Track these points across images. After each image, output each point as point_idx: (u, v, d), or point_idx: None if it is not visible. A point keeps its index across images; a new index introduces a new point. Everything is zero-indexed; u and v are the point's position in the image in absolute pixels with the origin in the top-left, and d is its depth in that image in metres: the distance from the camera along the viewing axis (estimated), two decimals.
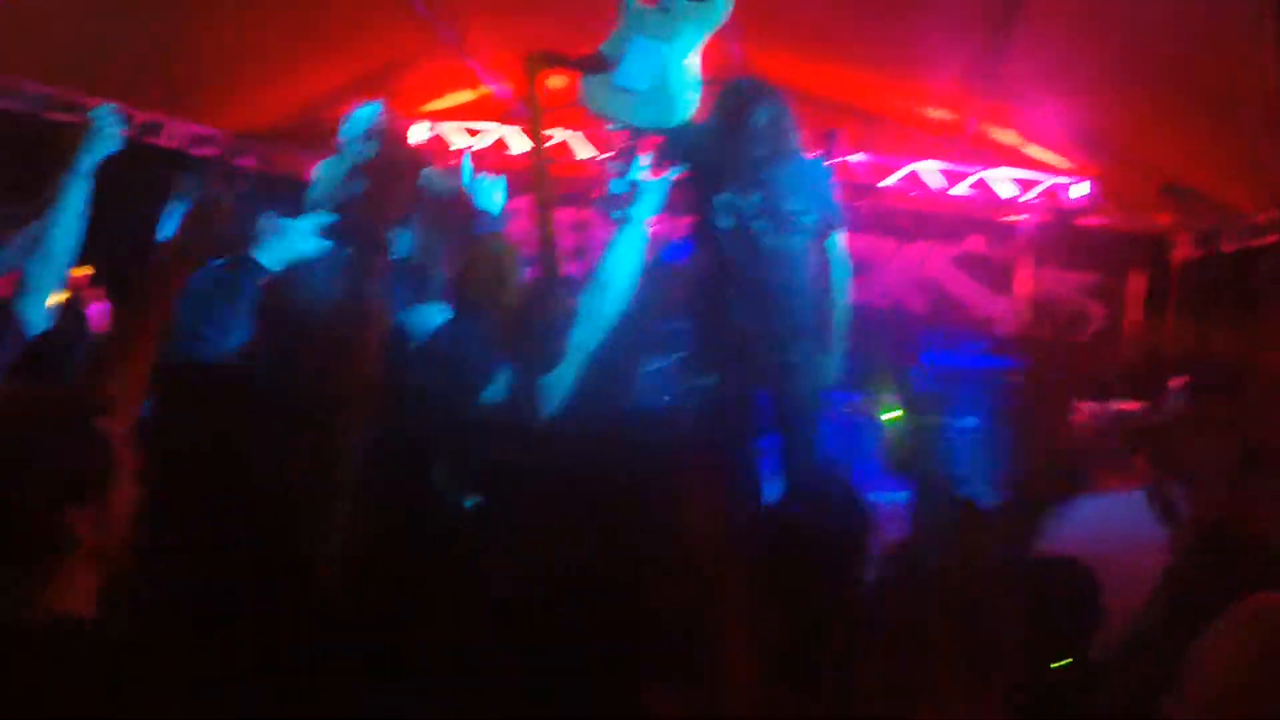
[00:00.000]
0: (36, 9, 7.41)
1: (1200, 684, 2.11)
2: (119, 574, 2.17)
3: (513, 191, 5.51)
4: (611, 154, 9.70)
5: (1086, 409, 9.50)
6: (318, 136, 10.21)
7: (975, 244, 11.88)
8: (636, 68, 5.57)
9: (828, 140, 10.44)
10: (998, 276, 11.73)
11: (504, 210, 5.34)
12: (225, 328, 3.76)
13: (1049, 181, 11.04)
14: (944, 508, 2.90)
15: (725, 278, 5.73)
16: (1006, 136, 10.78)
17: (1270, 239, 8.42)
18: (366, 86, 9.86)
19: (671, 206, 5.04)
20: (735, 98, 5.82)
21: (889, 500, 3.33)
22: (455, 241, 4.94)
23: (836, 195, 6.05)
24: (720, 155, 5.74)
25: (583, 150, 11.35)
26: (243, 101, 9.78)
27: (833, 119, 10.51)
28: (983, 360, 10.03)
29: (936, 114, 10.65)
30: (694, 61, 5.70)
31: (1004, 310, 11.59)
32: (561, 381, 3.71)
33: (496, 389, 3.87)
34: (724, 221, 5.70)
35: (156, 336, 2.68)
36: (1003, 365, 9.88)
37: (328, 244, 4.27)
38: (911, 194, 11.27)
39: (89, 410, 2.24)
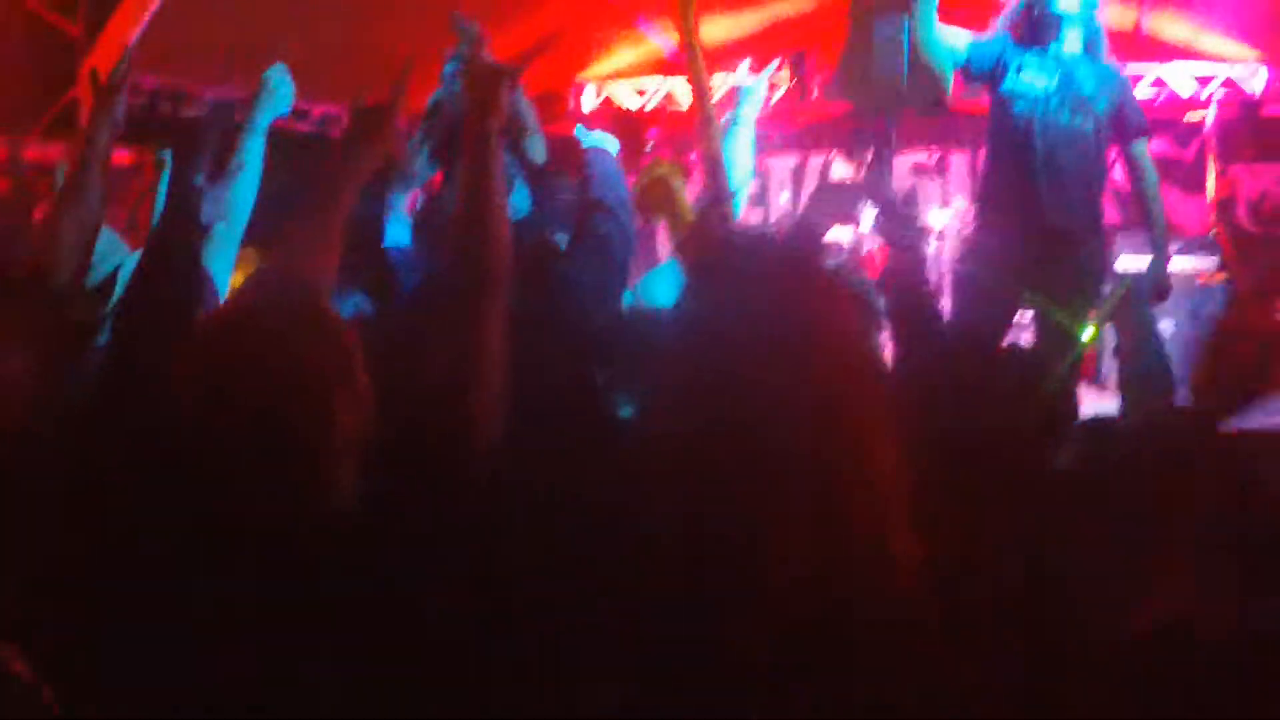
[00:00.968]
0: (214, 12, 7.64)
1: None
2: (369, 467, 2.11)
3: None
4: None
5: None
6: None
7: (1161, 146, 11.56)
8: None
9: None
10: (1188, 177, 11.39)
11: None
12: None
13: (1227, 73, 10.70)
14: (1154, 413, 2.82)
15: (1022, 155, 5.56)
16: (1178, 30, 10.49)
17: None
18: (533, 54, 10.01)
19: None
20: None
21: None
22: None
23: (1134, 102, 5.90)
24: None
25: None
26: (419, 86, 9.93)
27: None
28: (1179, 262, 9.75)
29: (1104, 13, 10.37)
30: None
31: (1198, 211, 11.24)
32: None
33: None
34: (1021, 104, 5.54)
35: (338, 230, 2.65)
36: (1200, 267, 9.62)
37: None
38: None
39: (321, 298, 2.29)
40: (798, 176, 11.60)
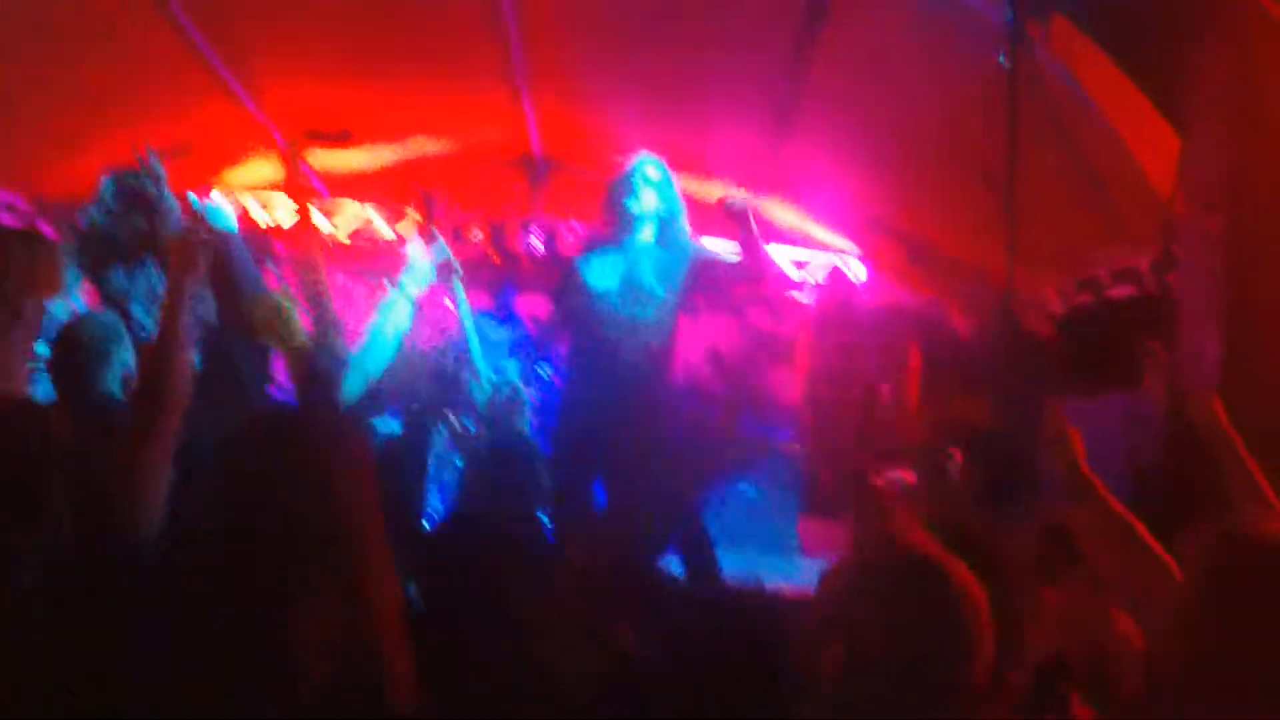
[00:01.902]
0: None
1: None
2: None
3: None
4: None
5: (880, 476, 9.93)
6: None
7: (759, 318, 12.25)
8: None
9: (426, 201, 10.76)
10: (782, 350, 12.09)
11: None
12: None
13: (827, 258, 11.47)
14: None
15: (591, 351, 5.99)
16: (786, 215, 11.20)
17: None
18: (172, 154, 9.77)
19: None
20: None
21: None
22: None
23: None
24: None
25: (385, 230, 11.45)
26: (55, 167, 9.57)
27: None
28: (768, 431, 10.34)
29: (722, 192, 10.98)
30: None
31: (790, 383, 11.93)
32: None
33: None
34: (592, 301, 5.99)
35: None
36: (786, 437, 10.22)
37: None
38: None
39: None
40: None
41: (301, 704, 2.06)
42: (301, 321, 4.90)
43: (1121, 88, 6.36)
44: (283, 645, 2.08)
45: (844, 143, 8.86)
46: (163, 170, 4.92)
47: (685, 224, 6.27)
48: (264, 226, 11.20)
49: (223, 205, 5.60)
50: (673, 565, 5.94)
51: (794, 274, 11.53)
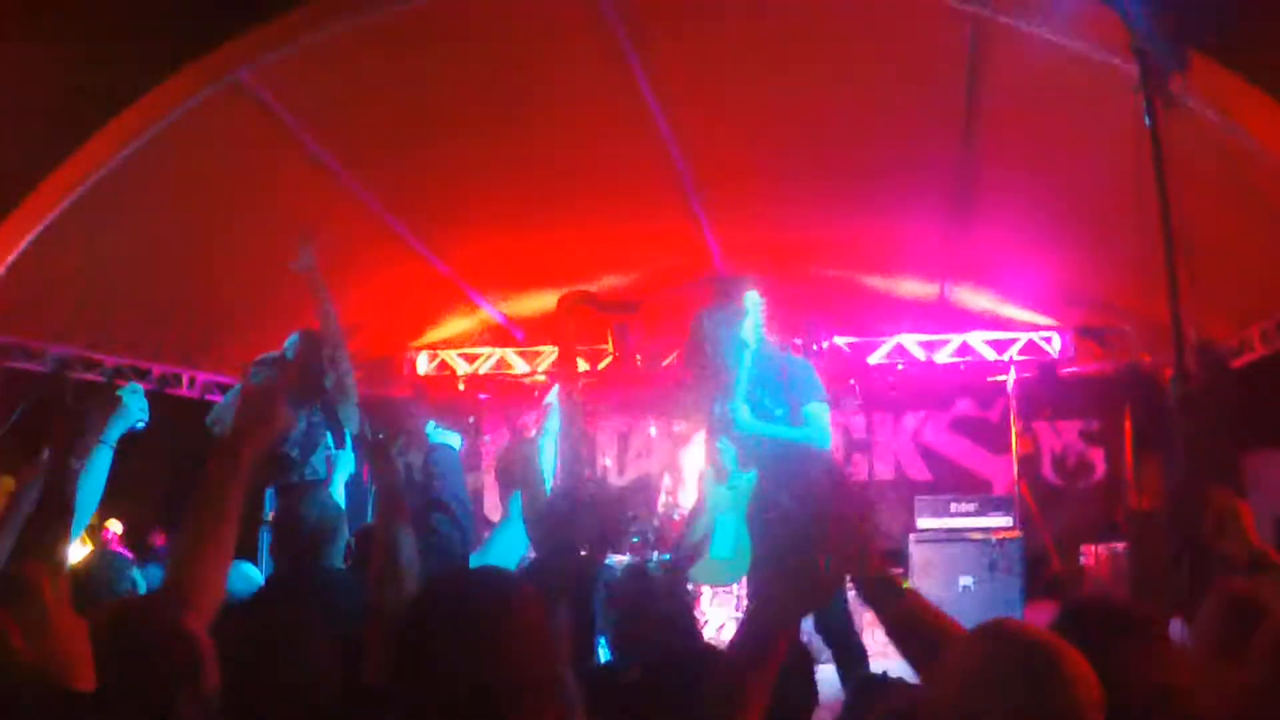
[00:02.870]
0: (57, 272, 7.92)
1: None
2: None
3: None
4: None
5: (1093, 552, 9.75)
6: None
7: (967, 407, 12.22)
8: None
9: (810, 327, 10.88)
10: (993, 435, 12.01)
11: None
12: None
13: (1026, 338, 11.42)
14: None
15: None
16: (980, 300, 11.22)
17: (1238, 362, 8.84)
18: (373, 318, 10.42)
19: None
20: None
21: None
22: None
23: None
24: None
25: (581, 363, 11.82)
26: (259, 347, 10.23)
27: (814, 306, 11.00)
28: (984, 519, 10.24)
29: (911, 287, 11.10)
30: None
31: (1004, 469, 11.82)
32: None
33: None
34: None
35: (230, 534, 2.87)
36: (997, 524, 10.11)
37: None
38: (898, 366, 11.61)
39: (177, 611, 2.55)
40: (623, 441, 12.01)
41: None
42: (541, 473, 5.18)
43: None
44: None
45: (1022, 223, 8.91)
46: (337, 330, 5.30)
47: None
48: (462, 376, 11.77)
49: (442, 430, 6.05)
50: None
51: (991, 356, 11.49)
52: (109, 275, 8.33)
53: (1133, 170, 6.32)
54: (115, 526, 10.34)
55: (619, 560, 6.94)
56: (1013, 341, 11.51)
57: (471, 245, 9.68)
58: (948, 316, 11.43)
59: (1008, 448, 11.78)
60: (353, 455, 6.36)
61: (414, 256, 9.68)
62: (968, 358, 11.59)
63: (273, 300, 9.52)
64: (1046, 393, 11.67)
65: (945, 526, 10.05)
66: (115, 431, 4.07)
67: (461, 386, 11.92)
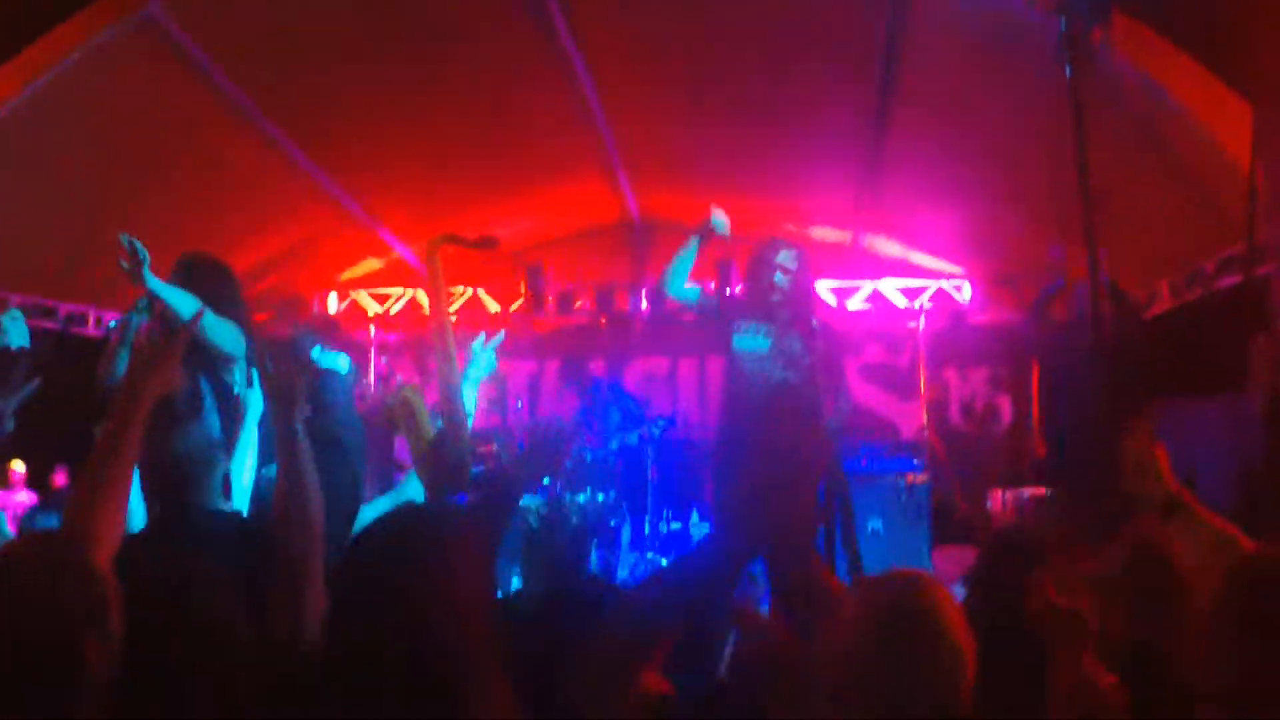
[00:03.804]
0: None
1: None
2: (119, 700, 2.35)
3: None
4: None
5: (999, 497, 9.89)
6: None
7: (877, 353, 12.29)
8: None
9: (722, 269, 10.88)
10: (902, 382, 12.10)
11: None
12: None
13: (936, 285, 11.51)
14: None
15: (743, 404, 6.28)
16: (892, 248, 11.28)
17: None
18: (286, 260, 10.26)
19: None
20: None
21: None
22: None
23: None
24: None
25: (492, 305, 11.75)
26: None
27: (725, 249, 10.98)
28: (892, 463, 10.33)
29: (824, 233, 11.12)
30: None
31: (912, 414, 11.93)
32: None
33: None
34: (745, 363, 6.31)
35: (126, 477, 2.90)
36: (910, 467, 10.21)
37: None
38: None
39: (82, 548, 2.49)
40: (533, 383, 11.95)
41: None
42: (428, 413, 5.15)
43: (1200, 78, 6.37)
44: None
45: (934, 172, 8.94)
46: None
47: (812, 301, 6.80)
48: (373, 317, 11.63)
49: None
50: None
51: (902, 303, 11.57)
52: (15, 214, 8.07)
53: (1046, 122, 6.36)
54: (19, 467, 10.11)
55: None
56: (923, 289, 11.59)
57: (386, 186, 9.55)
58: (859, 263, 11.47)
59: (917, 393, 11.89)
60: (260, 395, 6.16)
61: (326, 197, 9.51)
62: (878, 305, 11.65)
63: (181, 238, 9.31)
64: (956, 340, 11.78)
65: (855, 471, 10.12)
66: None
67: (372, 329, 11.78)
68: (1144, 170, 7.28)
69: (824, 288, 11.56)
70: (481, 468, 8.59)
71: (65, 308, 9.78)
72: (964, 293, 11.55)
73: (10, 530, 4.30)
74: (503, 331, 5.56)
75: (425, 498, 4.75)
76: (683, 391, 11.89)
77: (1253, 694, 2.38)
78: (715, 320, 6.48)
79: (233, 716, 2.46)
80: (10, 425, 3.74)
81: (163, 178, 8.49)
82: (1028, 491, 9.58)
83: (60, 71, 7.00)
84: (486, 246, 6.03)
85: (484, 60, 7.93)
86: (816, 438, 6.43)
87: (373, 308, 11.66)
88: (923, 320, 11.72)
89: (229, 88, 7.76)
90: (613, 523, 9.14)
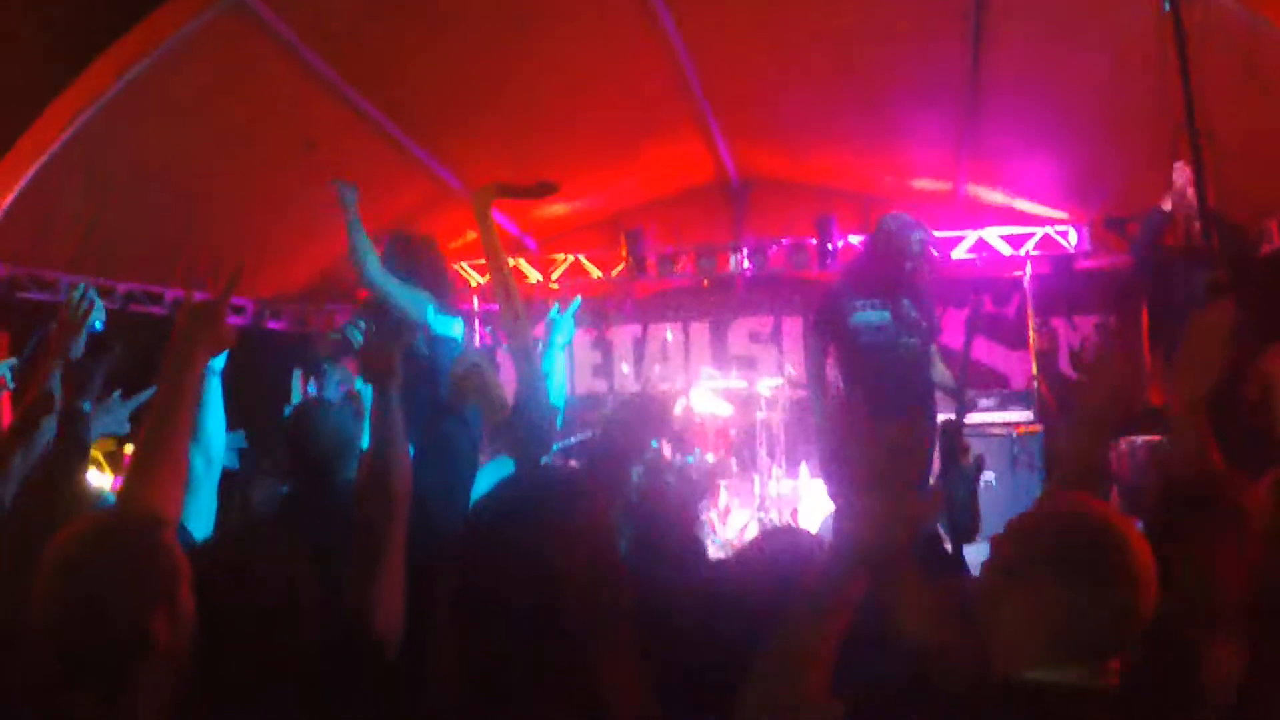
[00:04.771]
0: (64, 200, 7.89)
1: None
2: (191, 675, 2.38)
3: None
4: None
5: (1114, 446, 9.75)
6: (344, 293, 10.78)
7: (982, 303, 12.12)
8: None
9: (822, 225, 10.83)
10: (1010, 332, 11.94)
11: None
12: None
13: (1041, 232, 11.33)
14: None
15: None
16: (995, 196, 11.13)
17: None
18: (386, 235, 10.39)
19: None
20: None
21: None
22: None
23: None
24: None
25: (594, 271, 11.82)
26: (269, 269, 10.26)
27: (826, 204, 10.93)
28: (1002, 413, 10.26)
29: (924, 184, 11.01)
30: None
31: (1021, 364, 11.78)
32: None
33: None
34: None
35: (183, 448, 2.86)
36: (1018, 419, 10.13)
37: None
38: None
39: (155, 527, 2.50)
40: (639, 347, 12.01)
41: None
42: (500, 384, 5.07)
43: None
44: None
45: (1034, 117, 8.81)
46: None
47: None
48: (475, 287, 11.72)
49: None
50: None
51: (1008, 251, 11.40)
52: (115, 203, 8.28)
53: (1146, 60, 6.25)
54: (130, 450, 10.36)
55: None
56: (1028, 236, 11.41)
57: (481, 158, 9.60)
58: (962, 213, 11.32)
59: (1025, 343, 11.73)
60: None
61: (423, 171, 9.62)
62: (983, 254, 11.50)
63: (278, 222, 9.51)
64: (1063, 288, 11.59)
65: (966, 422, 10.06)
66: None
67: (475, 301, 11.86)
68: (1247, 106, 7.10)
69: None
70: (587, 434, 8.71)
71: (170, 293, 9.94)
72: (1070, 239, 11.34)
73: None
74: (579, 297, 5.57)
75: (513, 466, 4.74)
76: (787, 348, 11.84)
77: None
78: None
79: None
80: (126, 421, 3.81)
81: (259, 161, 8.61)
82: (1141, 439, 9.43)
83: (153, 61, 7.13)
84: (544, 193, 5.94)
85: (576, 25, 7.93)
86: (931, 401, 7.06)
87: (474, 278, 11.73)
88: (1029, 268, 11.53)
89: (321, 67, 7.83)
90: (723, 483, 9.21)
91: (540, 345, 5.61)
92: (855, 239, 11.06)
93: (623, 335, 11.99)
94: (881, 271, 6.88)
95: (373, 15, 7.54)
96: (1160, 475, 3.36)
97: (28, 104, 7.11)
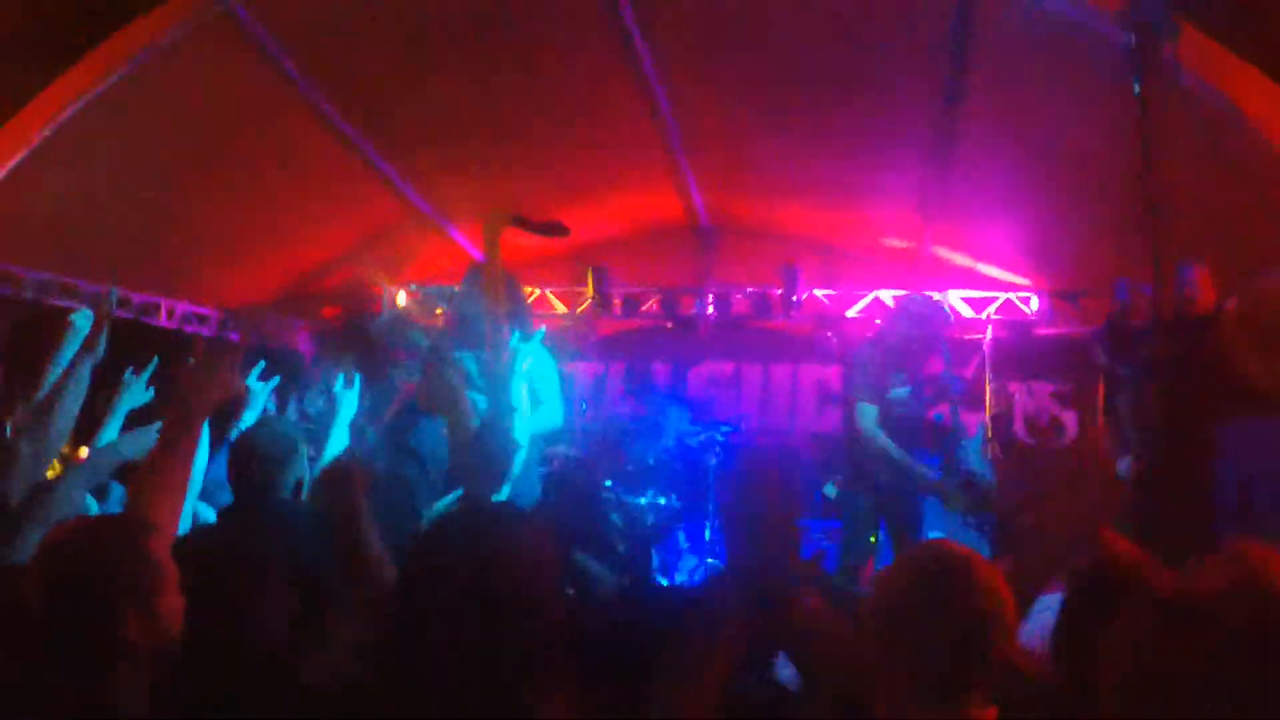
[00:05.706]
0: (37, 198, 7.87)
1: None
2: (166, 674, 2.51)
3: None
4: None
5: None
6: (309, 307, 10.78)
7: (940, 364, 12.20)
8: None
9: (788, 275, 10.89)
10: (967, 393, 12.00)
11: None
12: None
13: (1004, 297, 11.44)
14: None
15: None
16: (959, 258, 11.23)
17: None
18: (354, 257, 10.41)
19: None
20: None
21: None
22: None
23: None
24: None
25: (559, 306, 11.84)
26: (237, 278, 10.22)
27: (793, 253, 11.00)
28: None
29: (892, 242, 11.11)
30: None
31: (975, 426, 11.84)
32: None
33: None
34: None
35: (184, 474, 3.10)
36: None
37: None
38: (876, 321, 11.59)
39: (139, 532, 2.61)
40: (598, 384, 12.02)
41: None
42: (469, 404, 5.04)
43: (1270, 92, 6.33)
44: None
45: (1001, 184, 8.92)
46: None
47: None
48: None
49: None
50: None
51: (969, 314, 11.50)
52: (91, 203, 8.26)
53: (1114, 137, 6.34)
54: (85, 454, 10.29)
55: None
56: (990, 300, 11.52)
57: (452, 183, 9.64)
58: (927, 272, 11.42)
59: (981, 405, 11.81)
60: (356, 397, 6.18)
61: (392, 191, 9.64)
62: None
63: (252, 230, 9.49)
64: (1021, 353, 11.70)
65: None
66: (69, 353, 4.11)
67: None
68: (1210, 185, 7.23)
69: (889, 296, 11.52)
70: (548, 468, 8.68)
71: (139, 298, 9.92)
72: (1031, 305, 11.47)
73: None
74: (542, 327, 5.54)
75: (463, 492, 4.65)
76: (745, 396, 11.90)
77: None
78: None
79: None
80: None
81: (235, 168, 8.63)
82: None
83: (138, 63, 7.15)
84: (554, 233, 5.95)
85: (558, 61, 8.01)
86: None
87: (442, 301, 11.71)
88: (989, 331, 11.64)
89: (303, 80, 7.88)
90: (673, 526, 9.22)
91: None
92: (820, 293, 11.17)
93: (583, 372, 12.02)
94: (902, 351, 7.39)
95: (359, 38, 7.60)
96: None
97: (10, 99, 7.10)
